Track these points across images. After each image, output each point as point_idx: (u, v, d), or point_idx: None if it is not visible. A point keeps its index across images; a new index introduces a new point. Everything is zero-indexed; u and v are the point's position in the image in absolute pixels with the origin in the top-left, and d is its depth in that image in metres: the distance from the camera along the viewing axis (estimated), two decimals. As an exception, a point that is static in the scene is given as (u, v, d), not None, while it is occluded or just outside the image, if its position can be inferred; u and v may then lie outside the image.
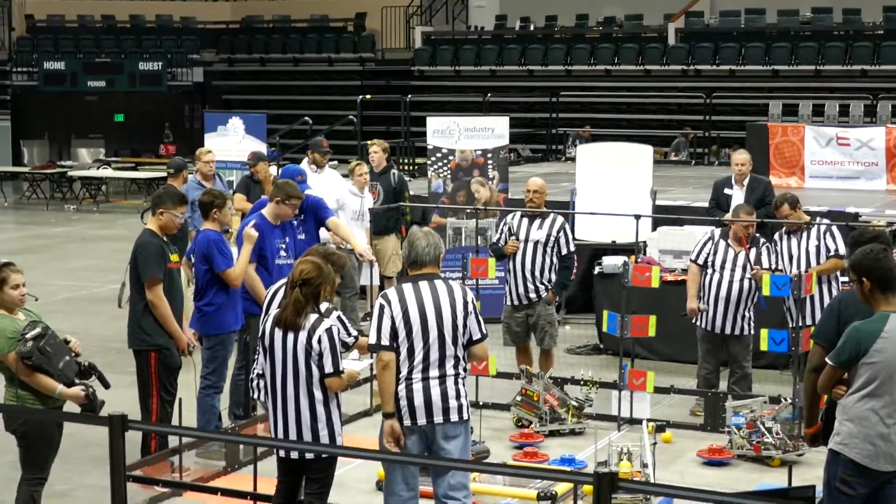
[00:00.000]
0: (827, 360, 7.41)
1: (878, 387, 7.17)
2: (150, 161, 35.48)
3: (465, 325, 8.12)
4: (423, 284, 8.17)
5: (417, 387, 8.06)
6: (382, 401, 8.20)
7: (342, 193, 15.19)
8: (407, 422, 8.10)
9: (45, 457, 8.60)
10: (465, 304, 8.15)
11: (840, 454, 7.30)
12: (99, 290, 19.23)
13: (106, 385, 8.72)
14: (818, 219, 12.59)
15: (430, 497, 8.38)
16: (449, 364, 8.10)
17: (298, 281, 8.06)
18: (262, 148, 18.98)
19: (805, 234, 12.21)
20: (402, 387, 8.08)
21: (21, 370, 8.31)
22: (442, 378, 8.08)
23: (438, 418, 8.08)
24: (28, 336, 8.30)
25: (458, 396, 8.13)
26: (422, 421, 8.08)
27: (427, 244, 8.25)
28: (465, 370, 8.23)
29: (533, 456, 10.75)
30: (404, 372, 8.08)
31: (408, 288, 8.17)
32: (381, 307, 8.12)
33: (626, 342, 11.93)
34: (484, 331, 8.24)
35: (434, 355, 8.07)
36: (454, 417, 8.12)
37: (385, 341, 8.06)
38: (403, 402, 8.09)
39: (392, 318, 8.06)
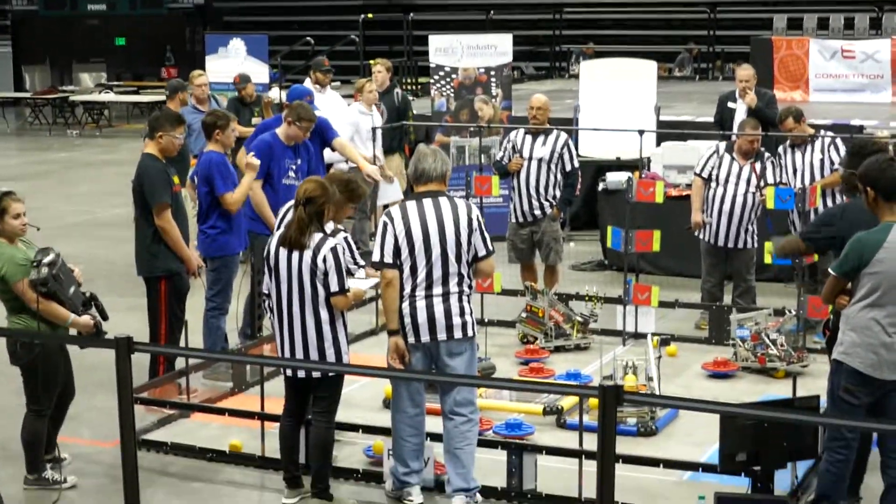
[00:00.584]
0: (830, 269, 7.48)
1: (881, 297, 7.20)
2: (152, 84, 35.38)
3: (469, 243, 8.10)
4: (427, 202, 8.13)
5: (421, 304, 8.06)
6: (387, 318, 8.22)
7: (353, 115, 15.12)
8: (411, 339, 8.12)
9: (50, 388, 8.58)
10: (470, 220, 8.11)
11: (843, 364, 7.35)
12: (103, 214, 19.25)
13: (105, 317, 8.65)
14: (822, 132, 12.52)
15: (437, 414, 8.43)
16: (453, 281, 8.09)
17: (302, 200, 8.05)
18: (264, 69, 18.93)
19: (809, 148, 12.16)
20: (405, 304, 8.09)
21: (34, 298, 8.21)
22: (445, 295, 8.07)
23: (442, 335, 8.10)
24: (45, 262, 8.19)
25: (462, 313, 8.13)
26: (425, 338, 8.10)
27: (434, 160, 8.20)
28: (470, 287, 8.22)
29: (538, 371, 10.80)
30: (408, 289, 8.08)
31: (411, 205, 8.15)
32: (385, 225, 8.10)
33: (631, 257, 11.94)
34: (490, 247, 8.21)
35: (437, 273, 8.06)
36: (458, 335, 8.13)
37: (388, 259, 8.05)
38: (407, 320, 8.10)
39: (395, 235, 8.04)
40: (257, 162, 10.68)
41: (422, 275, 8.04)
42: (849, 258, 7.30)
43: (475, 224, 8.12)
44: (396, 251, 8.03)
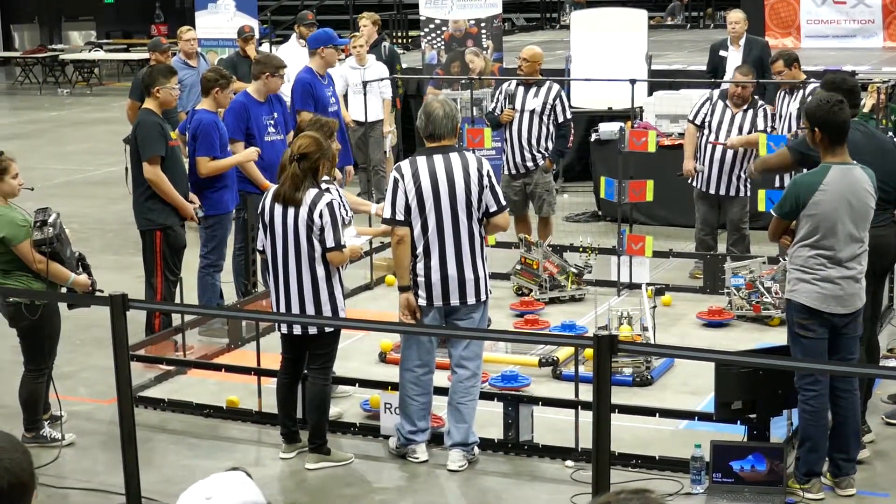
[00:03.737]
0: (771, 210, 7.68)
1: (821, 238, 7.34)
2: (142, 42, 35.15)
3: (480, 199, 7.99)
4: (438, 158, 8.01)
5: (434, 264, 7.99)
6: (398, 274, 8.17)
7: (344, 71, 15.10)
8: (422, 301, 8.06)
9: (49, 348, 8.57)
10: (481, 176, 8.00)
11: (792, 300, 7.50)
12: (95, 172, 19.21)
13: (93, 283, 8.61)
14: (811, 80, 12.47)
15: (445, 368, 8.46)
16: (465, 239, 8.00)
17: (296, 155, 8.00)
18: (253, 24, 18.81)
19: (800, 94, 12.12)
20: (419, 265, 8.01)
21: (37, 259, 8.18)
22: (458, 255, 7.99)
23: (455, 300, 8.05)
24: (49, 221, 8.15)
25: (476, 277, 8.05)
26: (438, 303, 8.05)
27: (444, 114, 8.04)
28: (482, 245, 8.12)
29: (534, 323, 10.81)
30: (420, 247, 8.01)
31: (422, 161, 8.03)
32: (395, 181, 8.00)
33: (625, 208, 11.93)
34: (503, 202, 8.13)
35: (448, 230, 7.97)
36: (471, 300, 8.08)
37: (399, 216, 7.98)
38: (420, 279, 8.03)
39: (405, 192, 7.96)
40: (254, 152, 10.60)
41: (433, 233, 7.98)
42: (787, 200, 7.45)
43: (486, 180, 8.01)
44: (407, 209, 7.97)
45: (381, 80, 15.11)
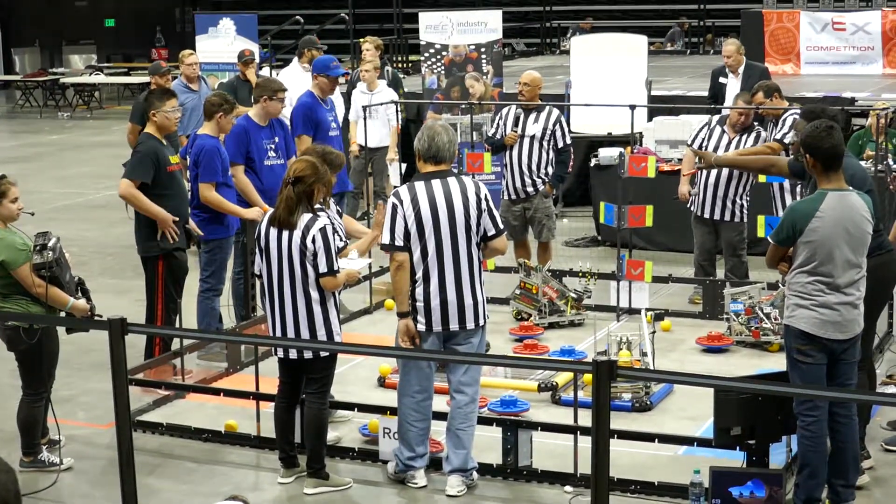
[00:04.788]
0: (769, 237, 7.71)
1: (818, 265, 7.35)
2: (143, 66, 35.27)
3: (478, 223, 8.01)
4: (436, 182, 8.04)
5: (433, 289, 8.00)
6: (397, 300, 8.15)
7: (356, 97, 15.13)
8: (421, 326, 8.06)
9: (47, 371, 8.55)
10: (479, 200, 8.02)
11: (790, 326, 7.51)
12: (95, 196, 19.22)
13: (92, 308, 8.60)
14: (794, 109, 12.42)
15: (444, 393, 8.45)
16: (464, 264, 8.01)
17: (291, 179, 8.03)
18: (254, 49, 18.84)
19: (782, 124, 12.06)
20: (419, 290, 8.02)
21: (36, 283, 8.16)
22: (458, 280, 8.00)
23: (455, 325, 8.06)
24: (49, 245, 8.13)
25: (475, 302, 8.07)
26: (437, 328, 8.05)
27: (448, 140, 8.07)
28: (481, 269, 8.13)
29: (533, 348, 10.80)
30: (419, 273, 8.01)
31: (420, 186, 8.04)
32: (394, 207, 8.00)
33: (624, 233, 11.94)
34: (501, 226, 8.14)
35: (448, 255, 7.99)
36: (470, 325, 8.09)
37: (399, 242, 7.98)
38: (420, 304, 8.03)
39: (404, 218, 7.98)
40: (259, 213, 10.51)
41: (432, 258, 7.98)
42: (783, 227, 7.47)
43: (484, 204, 8.03)
44: (406, 234, 7.98)
45: (382, 104, 15.13)
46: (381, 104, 14.73)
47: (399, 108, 15.67)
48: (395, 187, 15.12)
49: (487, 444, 8.42)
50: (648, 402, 9.39)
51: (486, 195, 8.08)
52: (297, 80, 14.73)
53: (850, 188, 7.46)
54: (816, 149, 7.41)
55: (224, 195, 10.50)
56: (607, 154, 14.79)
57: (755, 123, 12.03)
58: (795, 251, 7.43)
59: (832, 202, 7.33)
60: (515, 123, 12.31)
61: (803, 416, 7.42)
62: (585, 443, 7.11)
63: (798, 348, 7.43)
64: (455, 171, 8.40)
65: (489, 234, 8.07)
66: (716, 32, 28.53)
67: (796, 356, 7.45)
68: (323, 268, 7.98)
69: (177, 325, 9.86)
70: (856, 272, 7.38)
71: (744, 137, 11.85)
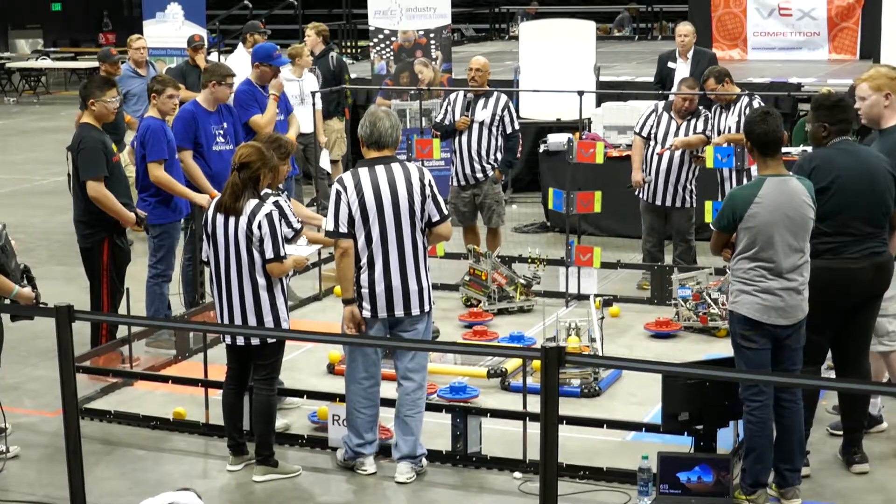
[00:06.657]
0: (711, 224, 7.78)
1: (759, 250, 7.39)
2: (90, 50, 35.00)
3: (422, 210, 8.01)
4: (380, 168, 8.02)
5: (378, 275, 7.99)
6: (342, 287, 8.13)
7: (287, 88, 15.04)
8: (367, 312, 8.05)
9: None
10: (423, 186, 8.01)
11: (734, 312, 7.55)
12: (42, 182, 19.07)
13: (37, 296, 8.54)
14: (745, 93, 12.50)
15: (392, 379, 8.44)
16: (408, 250, 8.00)
17: (237, 165, 8.01)
18: (203, 33, 18.72)
19: (736, 108, 12.13)
20: (363, 276, 8.00)
21: None
22: (402, 266, 8.00)
23: (400, 311, 8.05)
24: None
25: (419, 288, 8.06)
26: (383, 314, 8.04)
27: (391, 125, 8.05)
28: (426, 255, 8.12)
29: (482, 334, 10.82)
30: (363, 259, 8.00)
31: (364, 173, 8.02)
32: (338, 193, 7.97)
33: (573, 219, 11.97)
34: (445, 212, 8.14)
35: (392, 241, 7.98)
36: (416, 311, 8.09)
37: (343, 228, 7.96)
38: (364, 291, 8.02)
39: (348, 204, 7.95)
40: (206, 200, 10.45)
41: (376, 244, 7.96)
42: (724, 214, 7.51)
43: (428, 190, 8.02)
44: (351, 220, 7.95)
45: (333, 90, 15.05)
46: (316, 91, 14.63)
47: (347, 94, 15.64)
48: (325, 171, 15.13)
49: (437, 431, 8.43)
50: (597, 388, 9.42)
51: (430, 181, 8.07)
52: (244, 65, 14.63)
53: (791, 174, 7.50)
54: (750, 133, 7.48)
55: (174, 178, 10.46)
56: (556, 140, 14.82)
57: (700, 108, 12.10)
58: (737, 237, 7.47)
59: (771, 187, 7.38)
60: (466, 109, 12.32)
61: (749, 401, 7.47)
62: (534, 429, 7.13)
63: (742, 334, 7.47)
64: (403, 156, 8.39)
65: (433, 219, 8.07)
66: (664, 18, 28.63)
67: (740, 342, 7.50)
68: (269, 254, 7.95)
69: (124, 311, 9.80)
70: (798, 257, 7.42)
71: (691, 122, 11.92)
